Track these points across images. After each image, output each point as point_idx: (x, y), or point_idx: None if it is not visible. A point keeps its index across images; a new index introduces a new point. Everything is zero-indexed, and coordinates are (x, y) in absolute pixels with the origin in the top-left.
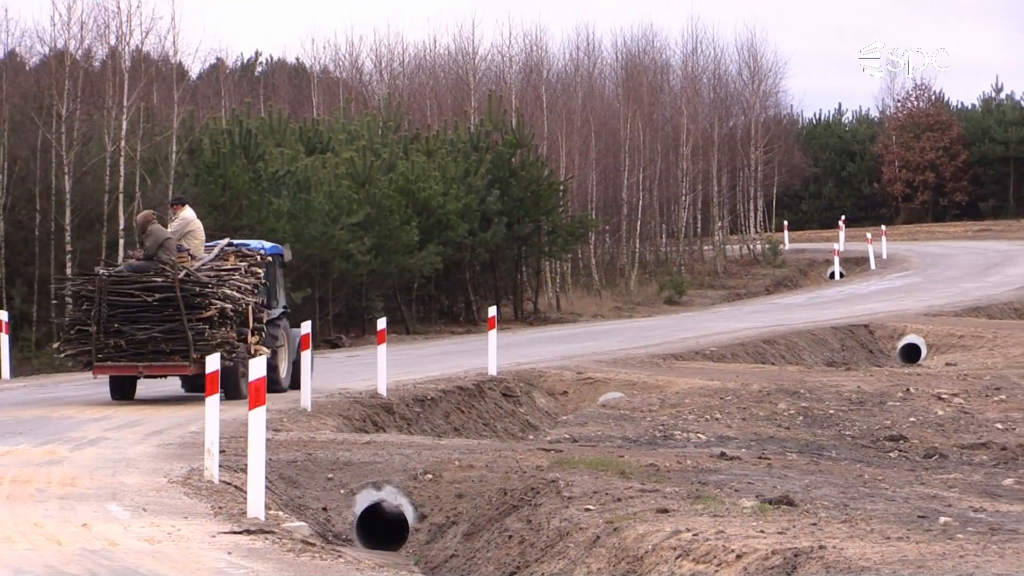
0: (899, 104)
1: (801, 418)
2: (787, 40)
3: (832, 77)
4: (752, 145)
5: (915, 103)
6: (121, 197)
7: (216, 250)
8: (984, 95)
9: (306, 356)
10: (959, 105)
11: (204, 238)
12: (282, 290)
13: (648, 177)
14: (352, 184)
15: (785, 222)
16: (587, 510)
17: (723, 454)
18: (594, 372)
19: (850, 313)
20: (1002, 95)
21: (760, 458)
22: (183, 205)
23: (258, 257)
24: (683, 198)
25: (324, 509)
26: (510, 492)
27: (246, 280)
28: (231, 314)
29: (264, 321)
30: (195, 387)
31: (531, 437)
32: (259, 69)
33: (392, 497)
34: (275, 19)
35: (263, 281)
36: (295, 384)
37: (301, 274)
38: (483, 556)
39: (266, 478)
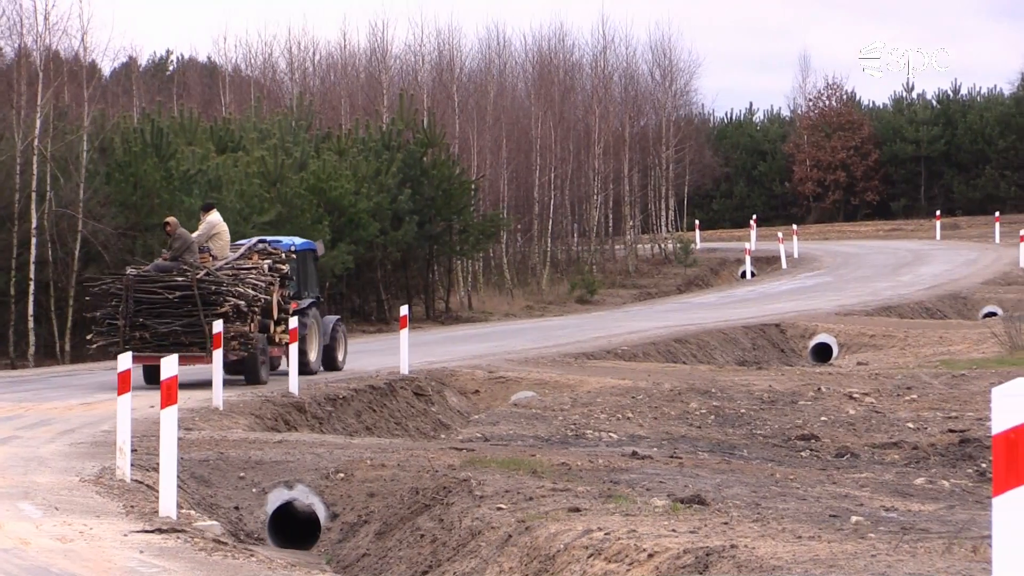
0: (810, 103)
1: (712, 417)
2: (700, 39)
3: (743, 76)
4: (664, 144)
5: (826, 102)
6: (33, 196)
7: (242, 249)
8: (895, 94)
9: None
10: (870, 104)
11: (229, 239)
12: (314, 281)
13: (559, 176)
14: (263, 183)
15: (696, 221)
16: (499, 509)
17: (635, 453)
18: (506, 371)
19: (761, 312)
20: (913, 94)
21: (672, 457)
22: (211, 210)
23: (282, 254)
24: (594, 197)
25: (236, 508)
26: (422, 491)
27: (264, 277)
28: (245, 309)
29: (291, 311)
30: (233, 371)
31: (443, 436)
32: (171, 68)
33: (304, 496)
34: (187, 17)
35: (289, 275)
36: (329, 366)
37: None
38: (395, 555)
39: (178, 477)
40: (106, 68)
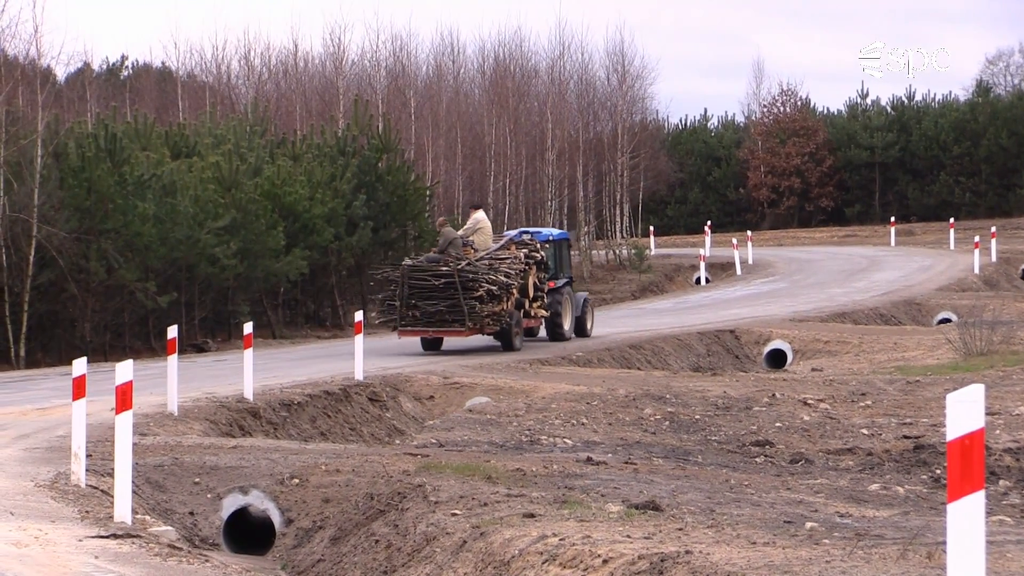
0: (765, 109)
1: (667, 423)
2: (655, 45)
3: (698, 82)
4: (619, 150)
5: (781, 108)
6: None
7: (503, 240)
8: (850, 100)
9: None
10: (825, 110)
11: (491, 234)
12: (567, 265)
13: (514, 182)
14: (218, 188)
15: (651, 227)
16: (454, 515)
17: (589, 459)
18: (460, 377)
19: (716, 318)
20: (868, 100)
21: (626, 463)
22: (478, 209)
23: (538, 244)
24: (549, 203)
25: (191, 513)
26: (377, 497)
27: (518, 264)
28: (499, 292)
29: (547, 290)
30: (499, 338)
31: (398, 442)
32: (125, 73)
33: (259, 502)
34: (141, 22)
35: (545, 260)
36: (580, 333)
37: (167, 278)
38: (350, 561)
39: (133, 482)
40: (60, 73)
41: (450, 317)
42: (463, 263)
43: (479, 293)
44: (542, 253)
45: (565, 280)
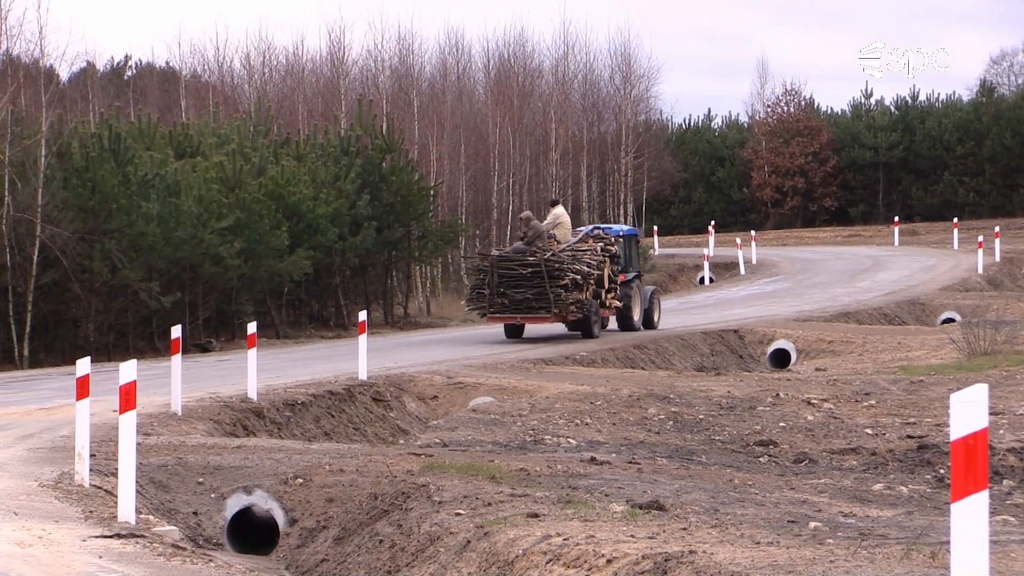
0: (769, 109)
1: (671, 423)
2: (659, 45)
3: (702, 82)
4: (623, 150)
5: (785, 108)
6: None
7: (580, 235)
8: (854, 100)
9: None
10: (829, 110)
11: (571, 228)
12: (636, 259)
13: (518, 181)
14: (222, 188)
15: (655, 227)
16: (458, 514)
17: (593, 459)
18: (464, 377)
19: (720, 318)
20: (872, 100)
21: (630, 463)
22: (557, 205)
23: (612, 238)
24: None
25: (195, 513)
26: (380, 497)
27: (596, 256)
28: (581, 282)
29: (619, 282)
30: (574, 328)
31: (401, 442)
32: (129, 73)
33: (262, 501)
34: (144, 22)
35: (618, 255)
36: (648, 325)
37: (171, 278)
38: (354, 561)
39: (136, 482)
40: (64, 73)
41: (536, 304)
42: (549, 253)
43: (564, 281)
44: (615, 247)
45: (634, 274)
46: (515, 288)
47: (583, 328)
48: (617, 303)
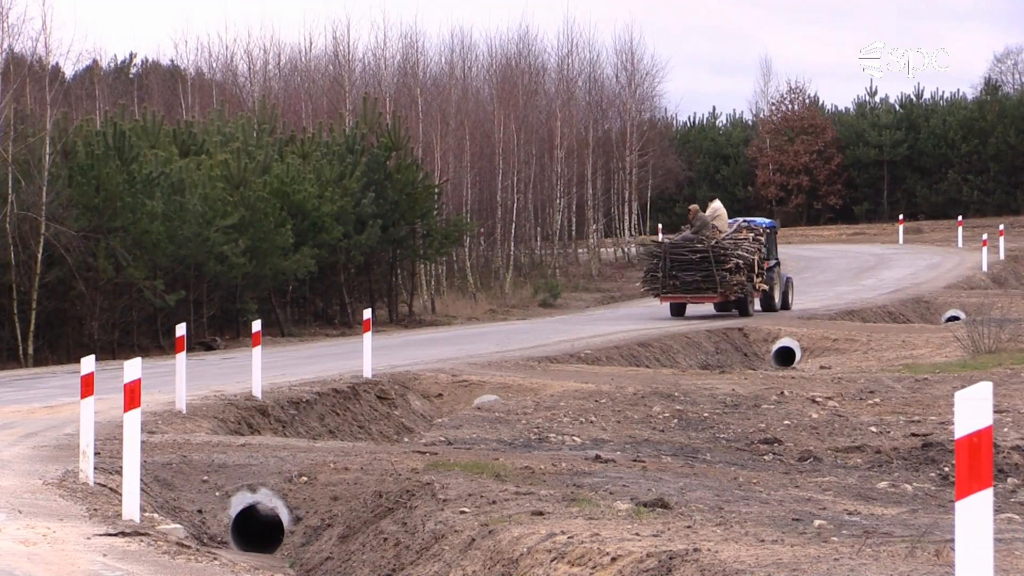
0: (773, 107)
1: (676, 421)
2: (663, 43)
3: (706, 80)
4: (627, 148)
5: (789, 106)
6: None
7: (735, 226)
8: (858, 98)
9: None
10: (833, 108)
11: (727, 219)
12: (775, 248)
13: (523, 180)
14: (226, 186)
15: (659, 225)
16: (462, 513)
17: (598, 457)
18: (469, 375)
19: (724, 316)
20: (876, 98)
21: (635, 461)
22: (715, 199)
23: (760, 230)
24: (557, 201)
25: (199, 511)
26: (385, 495)
27: (752, 244)
28: (742, 266)
29: (765, 268)
30: (722, 309)
31: (406, 440)
32: (133, 71)
33: (267, 499)
34: (149, 20)
35: (764, 244)
36: (784, 306)
37: (175, 276)
38: (358, 559)
39: (141, 480)
40: (68, 71)
41: (704, 285)
42: (715, 241)
43: (729, 265)
44: (763, 238)
45: (775, 262)
46: (685, 271)
47: (740, 307)
48: (764, 286)
